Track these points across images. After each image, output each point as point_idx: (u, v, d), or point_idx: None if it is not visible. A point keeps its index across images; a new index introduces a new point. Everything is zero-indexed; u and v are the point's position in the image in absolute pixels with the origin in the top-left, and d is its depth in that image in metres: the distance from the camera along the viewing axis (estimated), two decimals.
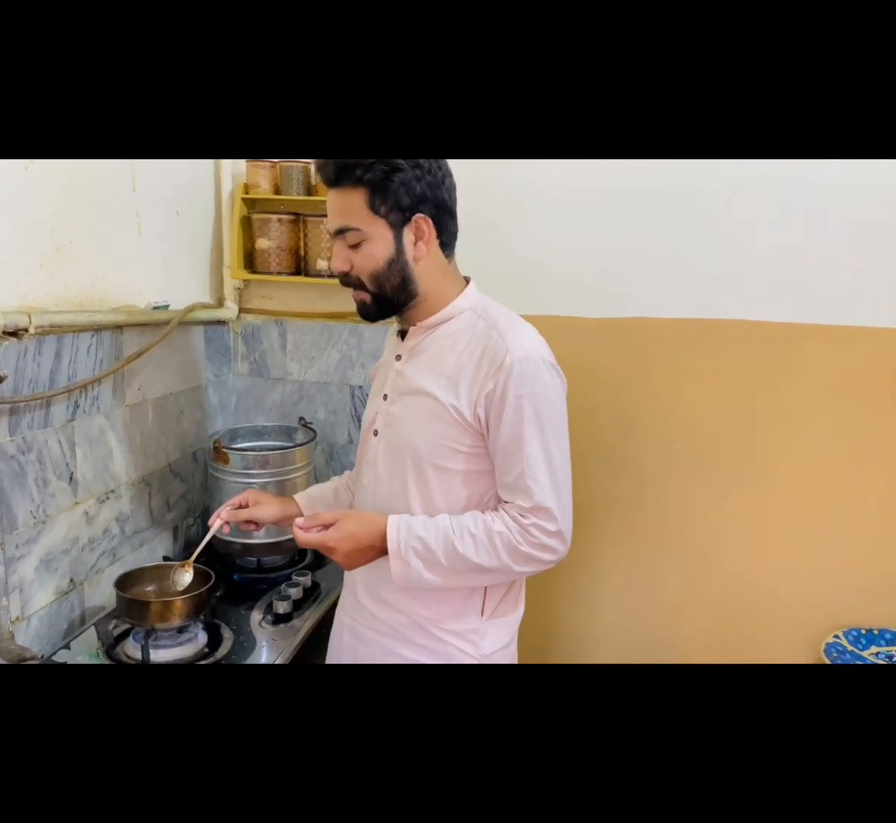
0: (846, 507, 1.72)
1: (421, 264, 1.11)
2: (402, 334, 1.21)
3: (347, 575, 1.30)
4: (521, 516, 1.09)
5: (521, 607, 1.27)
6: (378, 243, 1.08)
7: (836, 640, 1.74)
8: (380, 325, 1.35)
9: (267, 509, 1.29)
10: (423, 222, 1.09)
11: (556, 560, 1.12)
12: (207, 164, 1.82)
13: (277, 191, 1.84)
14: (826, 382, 1.68)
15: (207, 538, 1.28)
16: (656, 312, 1.75)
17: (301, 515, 1.31)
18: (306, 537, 1.10)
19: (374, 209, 1.06)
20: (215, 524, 1.25)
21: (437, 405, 1.12)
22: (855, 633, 1.73)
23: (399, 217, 1.08)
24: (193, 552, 1.30)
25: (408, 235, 1.09)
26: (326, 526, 1.11)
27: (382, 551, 1.11)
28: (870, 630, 1.73)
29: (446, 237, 1.14)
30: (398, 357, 1.20)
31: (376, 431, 1.22)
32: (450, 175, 1.13)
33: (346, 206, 1.07)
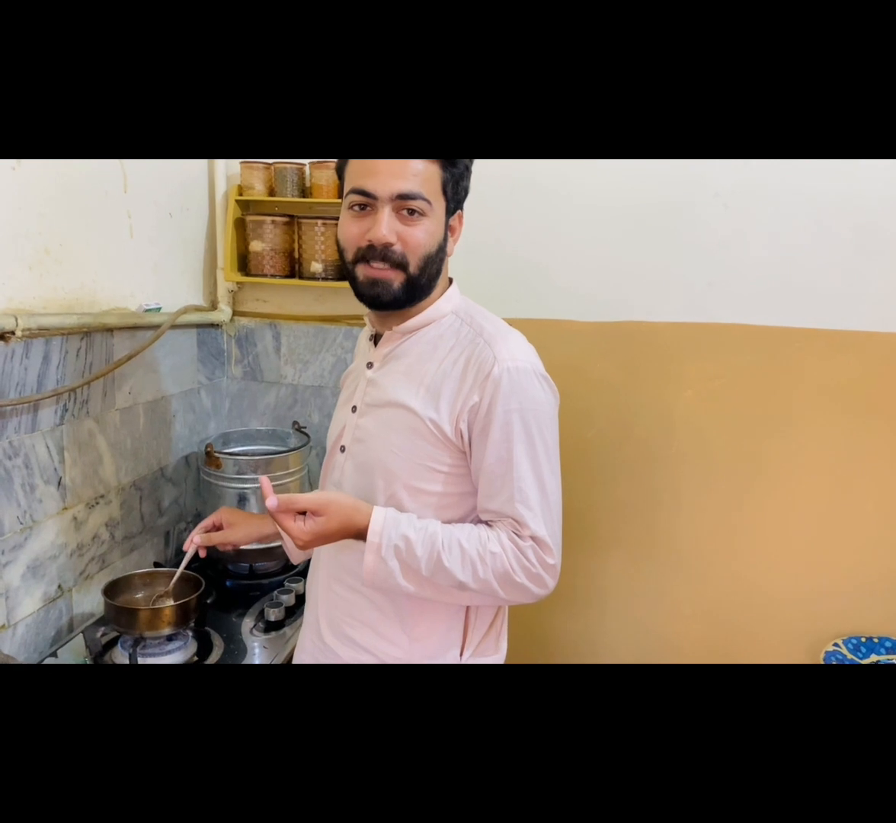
0: (846, 513, 1.70)
1: (448, 262, 1.06)
2: (375, 338, 1.11)
3: (308, 611, 1.20)
4: (517, 535, 0.99)
5: (503, 646, 1.15)
6: (436, 224, 1.00)
7: (835, 648, 1.72)
8: None
9: (241, 530, 1.22)
10: (460, 219, 1.05)
11: (543, 595, 1.01)
12: (201, 165, 1.81)
13: (271, 193, 1.82)
14: (824, 386, 1.67)
15: (183, 564, 1.26)
16: (653, 315, 1.74)
17: (276, 534, 1.24)
18: (280, 521, 0.96)
19: (443, 189, 0.99)
20: (190, 549, 1.21)
21: (413, 419, 1.01)
22: (855, 641, 1.72)
23: (452, 207, 1.02)
24: (170, 581, 1.32)
25: (450, 227, 1.04)
26: (301, 511, 0.97)
27: (355, 536, 0.99)
28: (870, 639, 1.71)
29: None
30: (369, 365, 1.10)
31: (343, 447, 1.11)
32: None
33: (422, 172, 0.96)
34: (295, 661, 1.25)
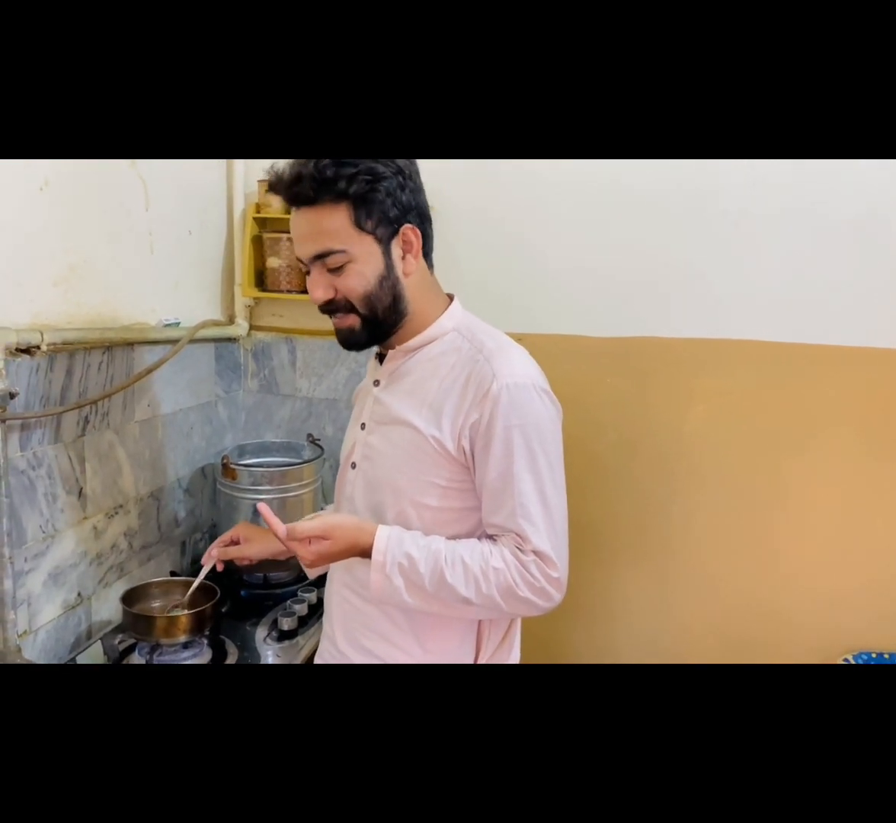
0: (855, 529, 1.70)
1: (412, 279, 1.03)
2: (380, 357, 1.12)
3: (325, 621, 1.23)
4: (520, 549, 0.99)
5: (515, 656, 1.17)
6: (367, 262, 0.99)
7: (845, 663, 1.72)
8: None
9: (257, 545, 1.26)
10: (411, 233, 1.01)
11: (550, 609, 1.01)
12: (219, 183, 1.86)
13: (288, 210, 1.86)
14: (835, 403, 1.68)
15: (200, 577, 1.30)
16: (664, 331, 1.75)
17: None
18: (288, 546, 1.00)
19: (359, 225, 0.97)
20: (207, 563, 1.25)
21: (417, 437, 1.02)
22: (865, 656, 1.72)
23: (387, 231, 0.99)
24: (187, 591, 1.36)
25: (395, 249, 1.01)
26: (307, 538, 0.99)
27: (361, 555, 1.01)
28: (880, 654, 1.71)
29: (428, 246, 1.06)
30: (376, 383, 1.12)
31: (354, 463, 1.13)
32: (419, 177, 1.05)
33: (326, 225, 0.97)
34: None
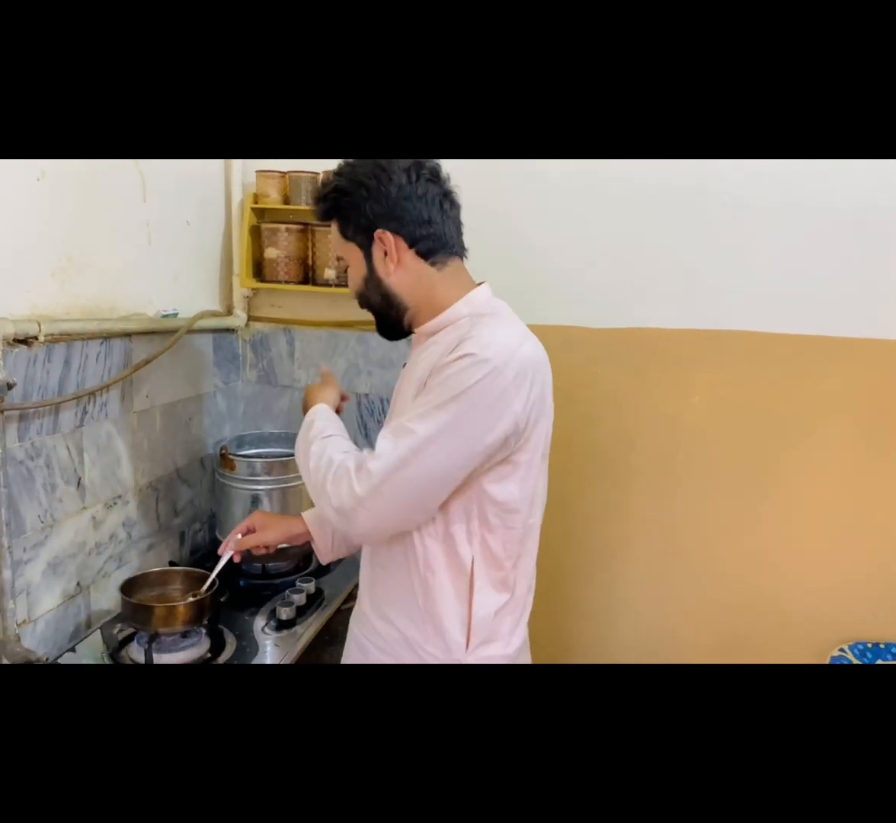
0: (853, 520, 1.71)
1: (397, 278, 1.10)
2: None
3: (362, 582, 1.24)
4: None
5: (514, 643, 1.15)
6: (355, 267, 1.14)
7: (841, 654, 1.73)
8: None
9: (272, 532, 1.30)
10: (385, 237, 1.08)
11: (347, 500, 1.01)
12: (217, 174, 1.85)
13: (286, 201, 1.86)
14: (833, 394, 1.68)
15: (218, 568, 1.32)
16: (661, 322, 1.76)
17: (308, 534, 1.31)
18: None
19: (345, 235, 1.12)
20: (225, 554, 1.27)
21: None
22: (861, 647, 1.73)
23: (364, 238, 1.11)
24: (203, 586, 1.37)
25: (377, 252, 1.10)
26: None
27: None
28: (876, 644, 1.72)
29: (424, 245, 1.09)
30: (404, 365, 1.19)
31: None
32: (421, 182, 1.08)
33: (333, 237, 1.15)
34: (349, 625, 1.27)
